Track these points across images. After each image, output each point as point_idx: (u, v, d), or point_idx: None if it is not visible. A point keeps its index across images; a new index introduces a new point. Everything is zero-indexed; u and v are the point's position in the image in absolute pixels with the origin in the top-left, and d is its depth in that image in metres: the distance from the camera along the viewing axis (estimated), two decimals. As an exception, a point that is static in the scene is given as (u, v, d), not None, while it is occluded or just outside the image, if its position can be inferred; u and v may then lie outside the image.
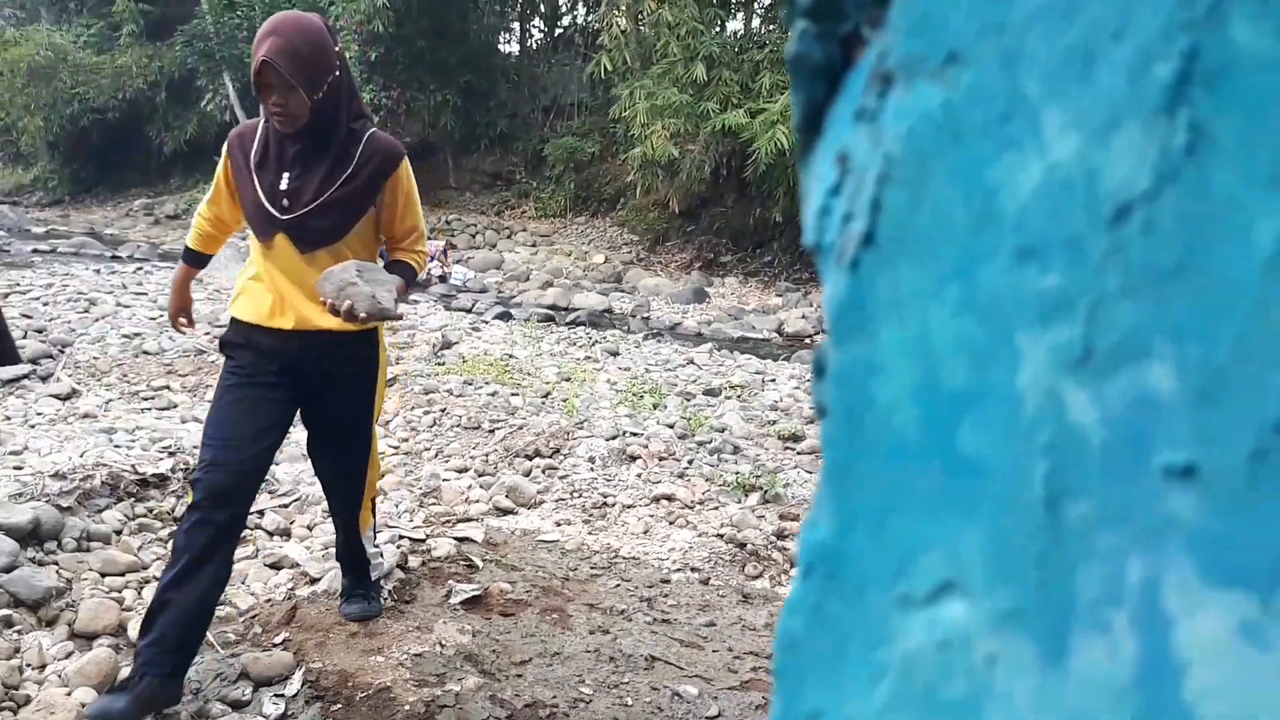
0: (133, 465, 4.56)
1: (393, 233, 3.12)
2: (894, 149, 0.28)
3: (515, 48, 24.74)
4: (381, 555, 3.85)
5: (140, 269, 12.66)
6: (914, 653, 0.27)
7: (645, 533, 4.77)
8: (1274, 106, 0.22)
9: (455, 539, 4.39)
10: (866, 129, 0.29)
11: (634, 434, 6.11)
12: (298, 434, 6.01)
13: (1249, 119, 0.22)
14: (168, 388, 6.60)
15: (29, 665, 3.21)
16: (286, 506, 4.68)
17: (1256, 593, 0.22)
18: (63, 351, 7.07)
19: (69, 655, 3.27)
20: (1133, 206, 0.24)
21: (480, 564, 4.17)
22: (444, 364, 8.04)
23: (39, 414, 5.83)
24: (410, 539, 4.33)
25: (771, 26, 18.79)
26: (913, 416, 0.28)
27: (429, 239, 17.95)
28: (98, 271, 11.69)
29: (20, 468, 4.69)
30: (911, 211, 0.28)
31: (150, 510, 4.36)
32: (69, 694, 3.06)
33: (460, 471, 5.52)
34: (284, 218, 2.90)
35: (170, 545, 4.16)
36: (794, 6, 0.31)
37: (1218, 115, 0.22)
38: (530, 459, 5.67)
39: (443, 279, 15.73)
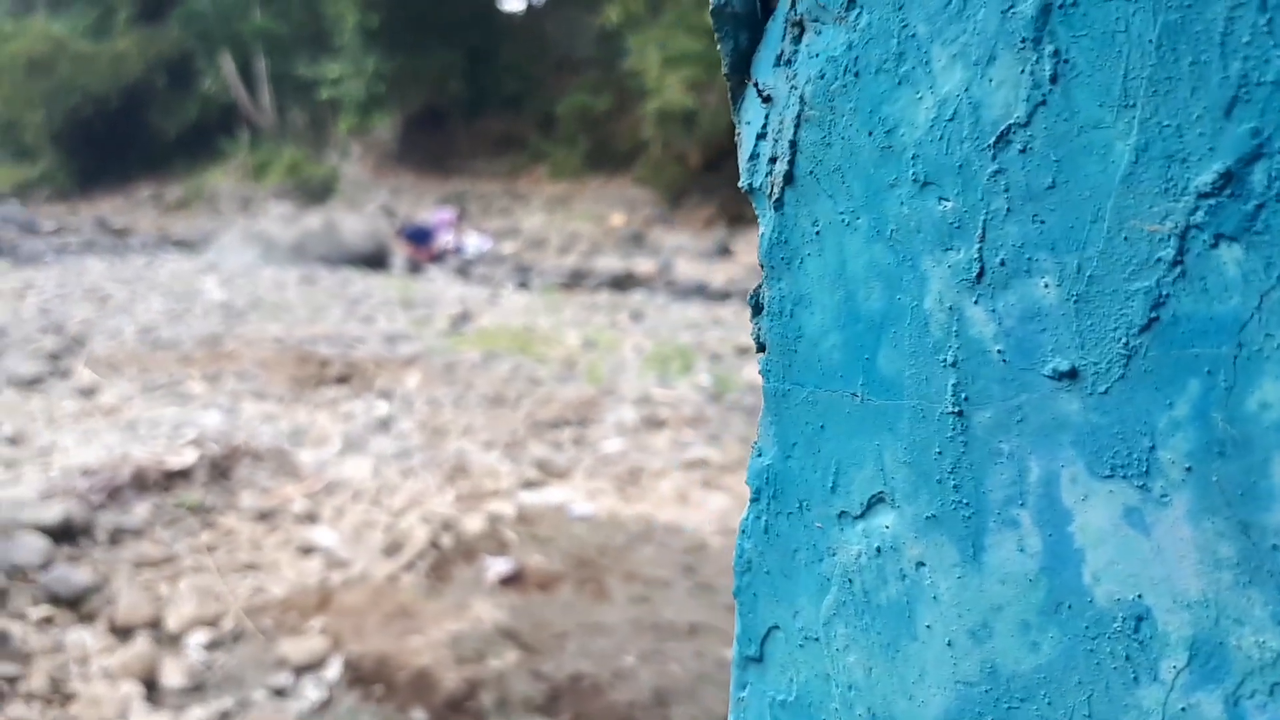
0: (159, 458, 4.58)
1: None
2: (807, 90, 0.30)
3: (520, 4, 24.39)
4: None
5: (151, 259, 12.68)
6: (852, 563, 0.30)
7: (680, 499, 4.74)
8: (1123, 34, 0.24)
9: (486, 515, 4.39)
10: (784, 73, 0.31)
11: (662, 399, 6.07)
12: (318, 418, 6.04)
13: (1102, 47, 0.24)
14: (187, 377, 6.62)
15: (73, 661, 3.26)
16: (314, 491, 4.69)
17: (1135, 481, 0.24)
18: (81, 347, 7.10)
19: (110, 650, 3.32)
20: (1011, 132, 0.26)
21: (513, 539, 4.17)
22: (464, 337, 8.01)
23: (62, 410, 5.86)
24: (441, 517, 4.33)
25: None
26: (837, 342, 0.30)
27: (441, 209, 17.89)
28: (110, 265, 11.72)
29: (48, 466, 4.72)
30: (824, 148, 0.30)
31: (178, 502, 4.38)
32: (114, 687, 3.11)
33: (487, 446, 5.51)
34: None
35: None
36: None
37: (1076, 44, 0.25)
38: (557, 430, 5.64)
39: (457, 250, 15.63)
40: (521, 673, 3.16)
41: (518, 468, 5.08)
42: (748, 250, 15.74)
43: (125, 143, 25.60)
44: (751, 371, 7.03)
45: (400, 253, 14.68)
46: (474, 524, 4.27)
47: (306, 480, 4.79)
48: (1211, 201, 0.23)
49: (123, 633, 3.46)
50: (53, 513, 3.88)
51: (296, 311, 8.60)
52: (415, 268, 14.08)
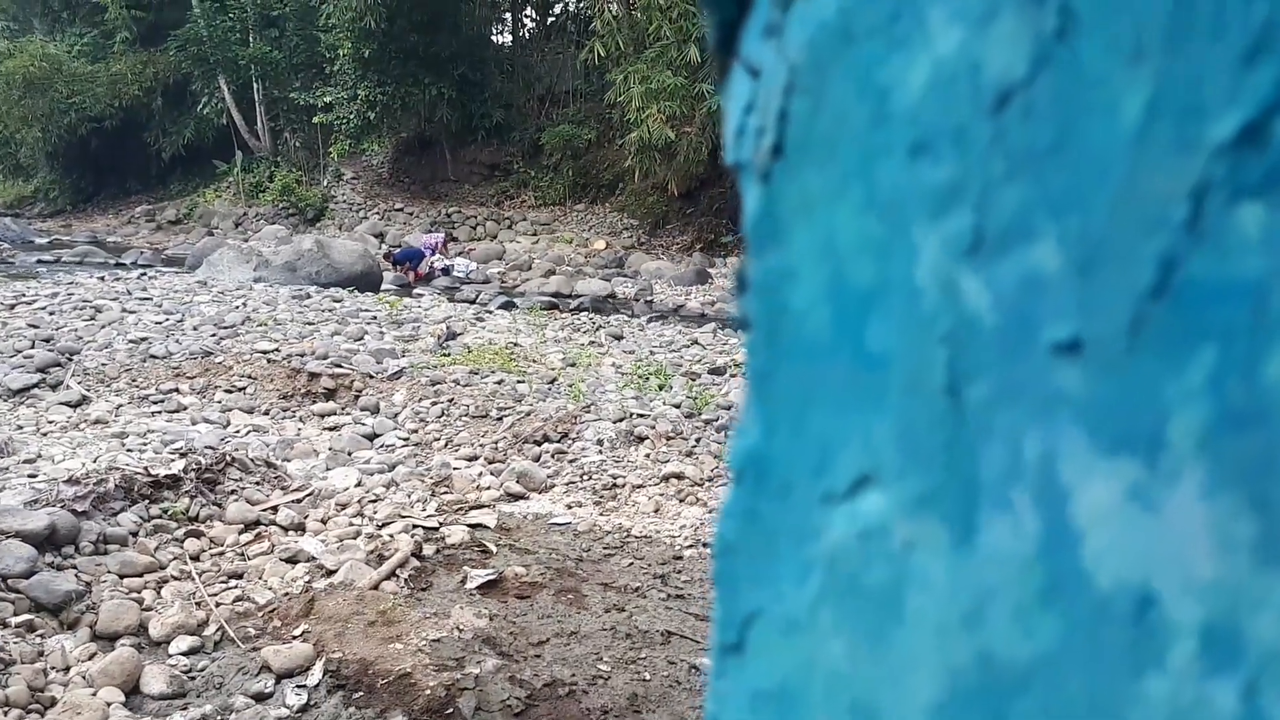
0: (145, 468, 4.60)
1: None
2: (797, 58, 0.29)
3: (508, 38, 24.65)
4: None
5: (144, 274, 12.71)
6: (838, 545, 0.28)
7: (656, 511, 4.79)
8: None
9: (468, 525, 4.42)
10: (773, 43, 0.30)
11: (641, 415, 6.12)
12: (306, 431, 6.07)
13: None
14: (176, 390, 6.64)
15: (53, 668, 3.25)
16: (300, 501, 4.71)
17: (1141, 457, 0.22)
18: (71, 359, 7.11)
19: (92, 657, 3.31)
20: (1011, 93, 0.24)
21: (494, 549, 4.20)
22: (449, 355, 8.06)
23: (50, 421, 5.87)
24: (424, 527, 4.36)
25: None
26: (824, 317, 0.28)
27: (430, 232, 17.96)
28: (102, 279, 11.73)
29: (35, 475, 4.73)
30: (814, 117, 0.29)
31: (165, 511, 4.39)
32: (94, 694, 3.10)
33: (470, 459, 5.55)
34: None
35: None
36: None
37: None
38: (539, 444, 5.69)
39: (445, 271, 15.75)
40: (500, 678, 3.18)
41: (500, 480, 5.12)
42: (724, 276, 15.89)
43: (121, 162, 25.67)
44: (725, 390, 7.11)
45: (390, 274, 14.79)
46: (456, 534, 4.29)
47: (293, 491, 4.81)
48: (1230, 156, 0.21)
49: (105, 640, 3.47)
50: (38, 521, 3.87)
51: (287, 328, 8.63)
52: (404, 288, 14.18)
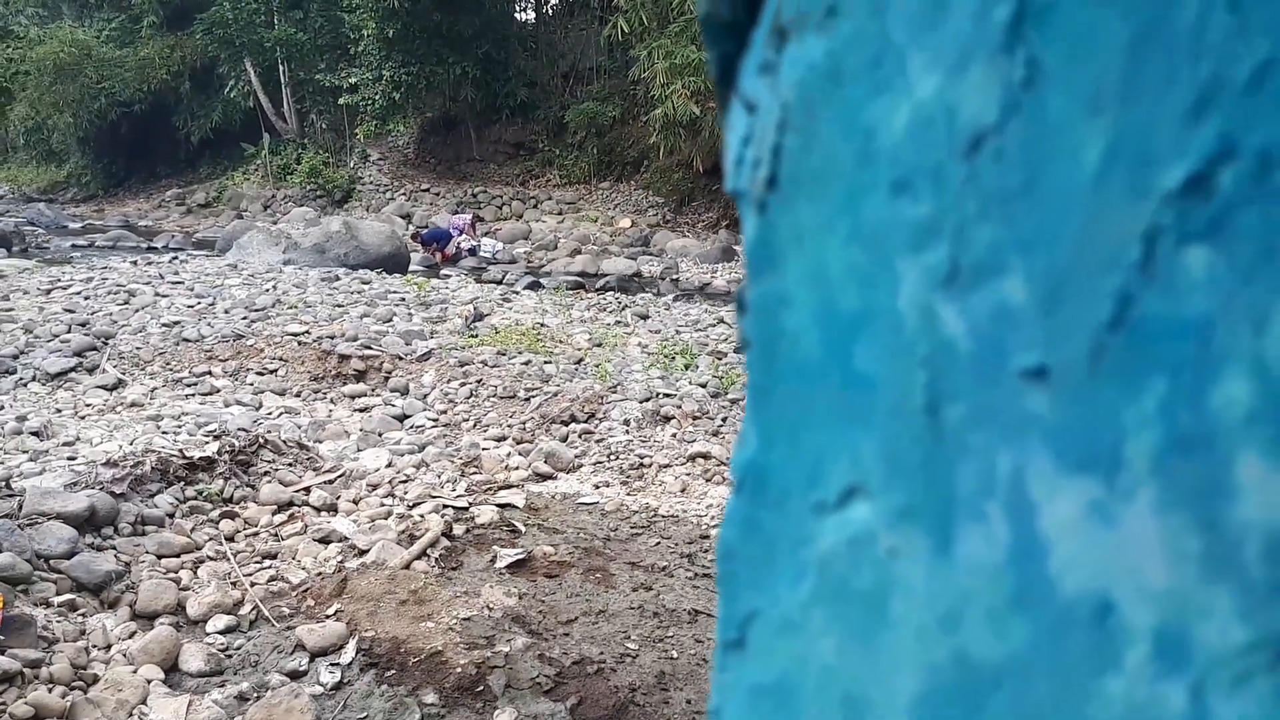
0: (180, 450, 4.69)
1: None
2: (789, 97, 0.31)
3: (531, 15, 24.54)
4: None
5: (175, 258, 12.86)
6: (829, 551, 0.30)
7: (683, 491, 4.82)
8: (1091, 39, 0.24)
9: (497, 506, 4.47)
10: (768, 80, 0.32)
11: (667, 395, 6.15)
12: (337, 412, 6.15)
13: (1072, 51, 0.25)
14: (209, 373, 6.74)
15: (95, 646, 3.33)
16: (332, 482, 4.78)
17: (1101, 476, 0.25)
18: (106, 343, 7.23)
19: (132, 635, 3.39)
20: (984, 137, 0.26)
21: (523, 529, 4.25)
22: (477, 336, 8.11)
23: (88, 405, 5.99)
24: (454, 507, 4.42)
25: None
26: (815, 340, 0.30)
27: (457, 213, 17.99)
28: (134, 263, 11.88)
29: (74, 458, 4.84)
30: (805, 154, 0.30)
31: (200, 492, 4.48)
32: (134, 671, 3.18)
33: (499, 440, 5.61)
34: None
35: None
36: None
37: (1048, 50, 0.25)
38: (566, 425, 5.73)
39: (472, 252, 15.80)
40: (529, 656, 3.23)
41: (528, 460, 5.17)
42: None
43: (151, 146, 25.91)
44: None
45: (417, 255, 14.87)
46: (485, 514, 4.35)
47: (324, 472, 4.89)
48: (1178, 204, 0.23)
49: (144, 619, 3.55)
50: (78, 503, 3.96)
51: (317, 310, 8.72)
52: (432, 269, 14.25)
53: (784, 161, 0.31)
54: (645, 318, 9.61)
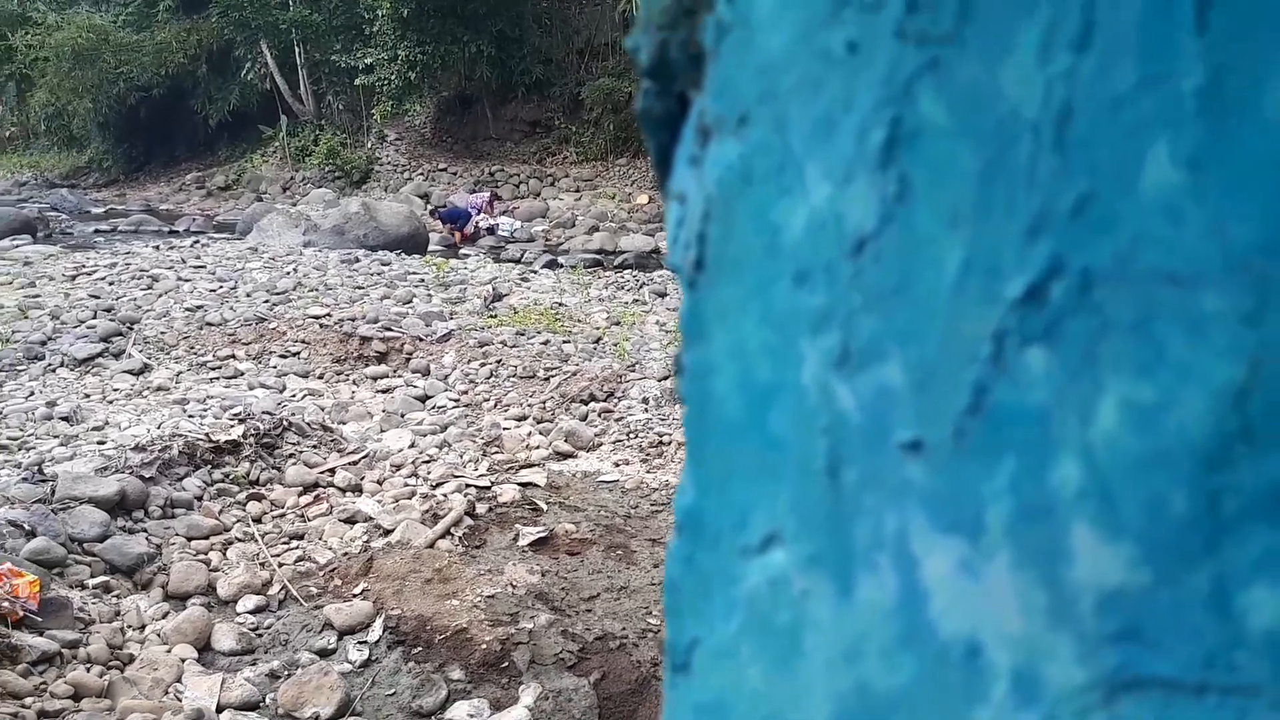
0: (207, 434, 4.78)
1: None
2: (711, 191, 0.34)
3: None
4: None
5: (197, 242, 12.98)
6: (753, 590, 0.34)
7: (701, 468, 4.87)
8: (950, 165, 0.28)
9: (519, 484, 4.54)
10: (694, 173, 0.35)
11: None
12: (360, 394, 6.23)
13: (935, 174, 0.28)
14: (233, 356, 6.83)
15: (130, 627, 3.43)
16: (356, 464, 4.86)
17: (967, 537, 0.28)
18: (131, 328, 7.33)
19: (165, 615, 3.49)
20: (866, 241, 0.30)
21: (544, 507, 4.32)
22: (496, 316, 8.17)
23: (115, 390, 6.10)
24: (476, 486, 4.48)
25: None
26: (738, 404, 0.34)
27: (475, 192, 17.98)
28: (157, 247, 12.00)
29: (103, 442, 4.94)
30: (724, 242, 0.34)
31: (227, 475, 4.56)
32: (169, 651, 3.28)
33: (519, 419, 5.67)
34: None
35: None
36: (639, 68, 0.37)
37: (916, 170, 0.29)
38: (586, 403, 5.78)
39: (491, 231, 15.83)
40: (553, 632, 3.29)
41: (548, 439, 5.24)
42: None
43: (170, 130, 26.01)
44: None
45: (436, 234, 14.92)
46: (507, 493, 4.42)
47: (349, 453, 4.97)
48: (1020, 310, 0.27)
49: (176, 599, 3.64)
50: (109, 487, 4.05)
51: (337, 293, 8.79)
52: (451, 249, 14.30)
53: (708, 247, 0.35)
54: (663, 295, 9.62)
